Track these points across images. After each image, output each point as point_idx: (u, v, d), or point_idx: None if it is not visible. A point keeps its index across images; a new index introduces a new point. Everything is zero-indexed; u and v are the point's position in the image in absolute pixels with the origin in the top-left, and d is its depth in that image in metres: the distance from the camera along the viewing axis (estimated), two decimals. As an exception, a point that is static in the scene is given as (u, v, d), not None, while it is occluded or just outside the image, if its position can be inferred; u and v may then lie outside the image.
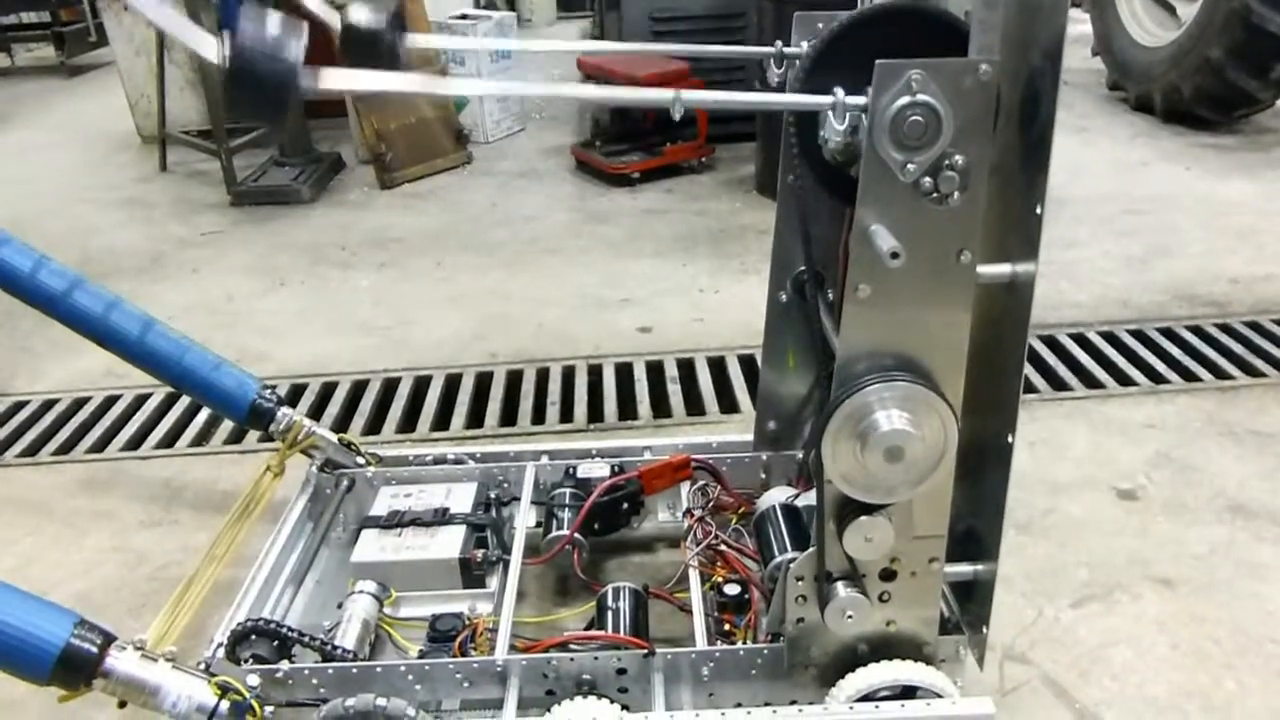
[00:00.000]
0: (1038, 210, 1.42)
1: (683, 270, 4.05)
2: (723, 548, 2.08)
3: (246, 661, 1.77)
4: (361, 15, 1.59)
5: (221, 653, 1.78)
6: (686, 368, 3.31)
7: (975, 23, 1.50)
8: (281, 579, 2.03)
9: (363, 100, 5.28)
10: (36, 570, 2.44)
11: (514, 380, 3.28)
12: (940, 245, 1.42)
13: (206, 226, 4.80)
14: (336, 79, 1.27)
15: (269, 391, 2.35)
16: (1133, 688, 1.97)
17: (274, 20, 1.21)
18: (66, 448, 3.00)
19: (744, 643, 1.86)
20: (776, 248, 2.04)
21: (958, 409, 1.50)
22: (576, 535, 2.11)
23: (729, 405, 3.07)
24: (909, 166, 1.36)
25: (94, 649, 1.59)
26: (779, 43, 1.77)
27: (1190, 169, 4.99)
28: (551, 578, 2.27)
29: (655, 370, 3.30)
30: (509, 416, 3.07)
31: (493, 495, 2.28)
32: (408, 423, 3.08)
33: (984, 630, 1.71)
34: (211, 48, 1.20)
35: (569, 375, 3.29)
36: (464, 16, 5.95)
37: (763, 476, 2.29)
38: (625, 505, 2.21)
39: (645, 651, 1.76)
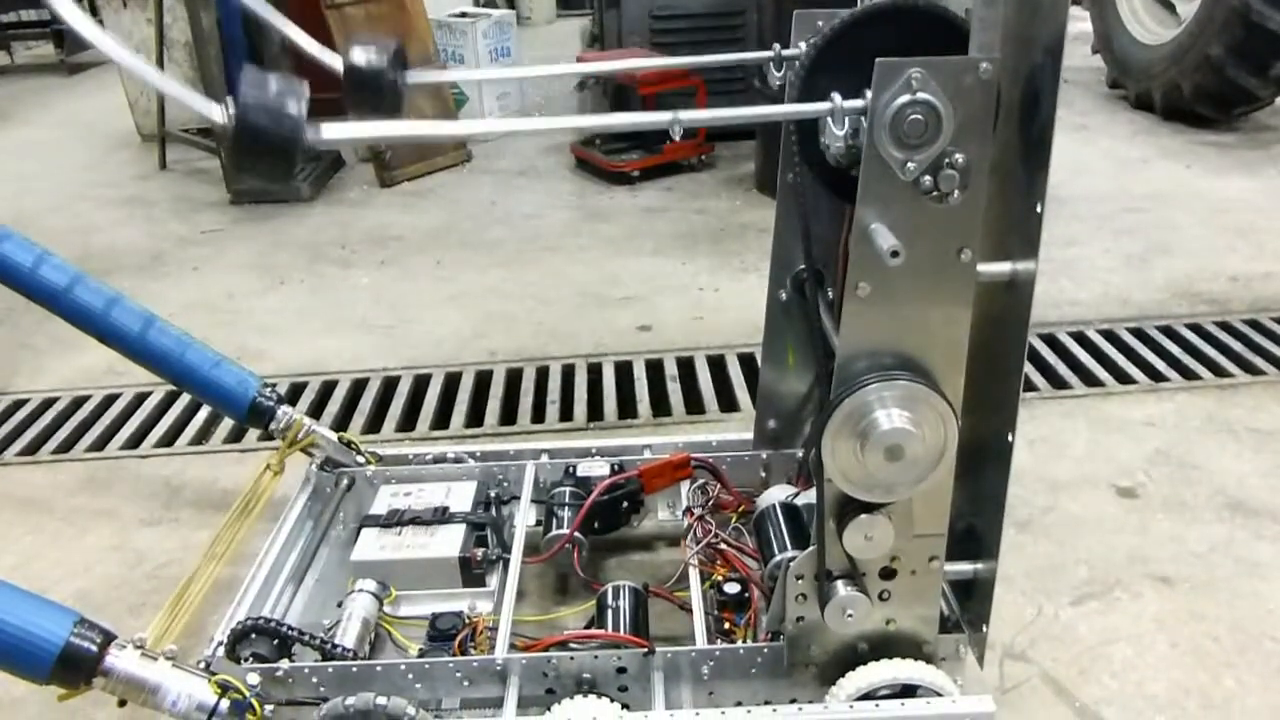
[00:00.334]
0: (1038, 208, 1.42)
1: (682, 268, 4.05)
2: (723, 546, 2.08)
3: (246, 660, 1.77)
4: (363, 57, 1.61)
5: (221, 651, 1.78)
6: (686, 366, 3.31)
7: (975, 21, 1.50)
8: (281, 578, 2.03)
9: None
10: (36, 568, 2.44)
11: (514, 379, 3.28)
12: (940, 244, 1.42)
13: (206, 224, 4.80)
14: (341, 131, 1.29)
15: (269, 390, 2.35)
16: (1132, 685, 1.98)
17: (275, 81, 1.23)
18: (66, 446, 3.00)
19: (744, 641, 1.86)
20: (776, 246, 2.04)
21: (958, 407, 1.50)
22: (576, 534, 2.11)
23: (728, 404, 3.07)
24: (909, 165, 1.36)
25: (94, 647, 1.59)
26: (777, 46, 1.77)
27: (1190, 167, 4.99)
28: (551, 576, 2.27)
29: (655, 369, 3.30)
30: (509, 415, 3.07)
31: (492, 494, 2.28)
32: (407, 421, 3.08)
33: (984, 628, 1.71)
34: (217, 113, 1.22)
35: (569, 374, 3.29)
36: (463, 14, 5.96)
37: (763, 475, 2.29)
38: (625, 504, 2.21)
39: (645, 650, 1.76)
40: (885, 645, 1.71)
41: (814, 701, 1.72)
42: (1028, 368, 2.98)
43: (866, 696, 1.67)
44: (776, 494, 2.12)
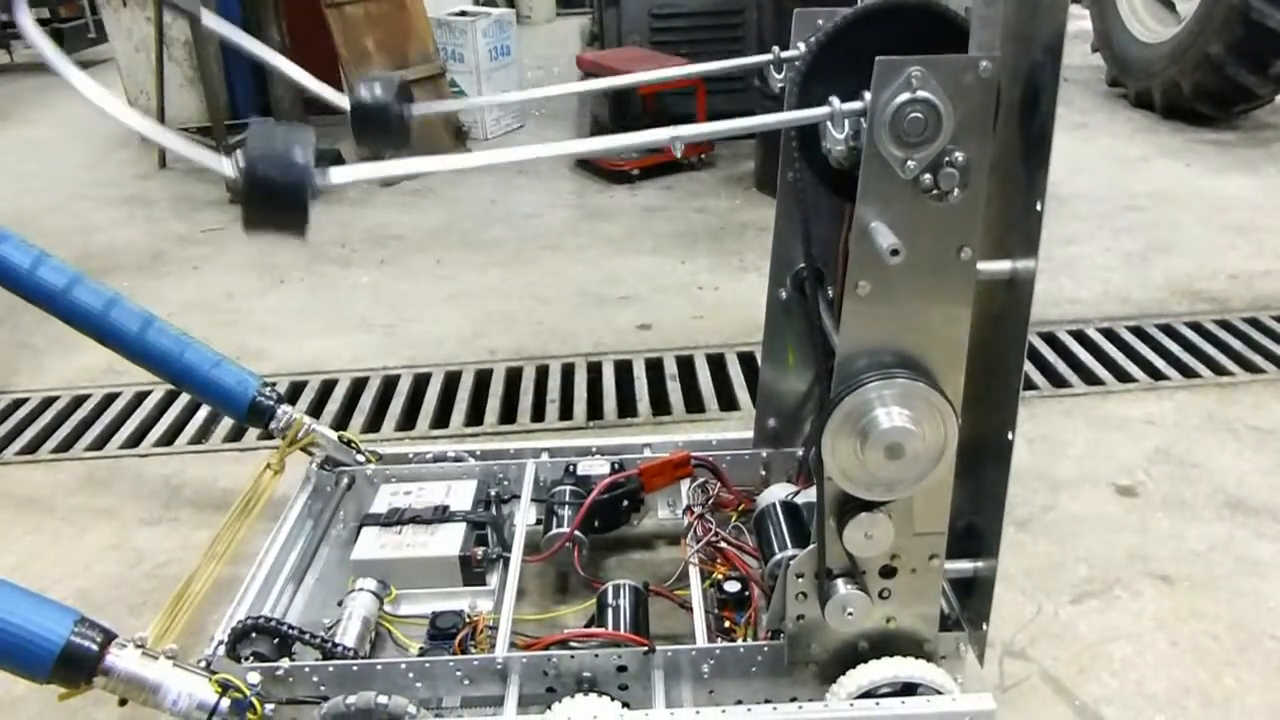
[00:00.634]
0: (1038, 207, 1.42)
1: (682, 267, 4.05)
2: (723, 545, 2.08)
3: (247, 659, 1.77)
4: (368, 93, 1.63)
5: (222, 650, 1.78)
6: (686, 365, 3.31)
7: (975, 19, 1.50)
8: (282, 577, 2.03)
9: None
10: (36, 568, 2.44)
11: (513, 378, 3.28)
12: (940, 242, 1.42)
13: (206, 223, 4.80)
14: (348, 174, 1.30)
15: (269, 389, 2.35)
16: (1132, 684, 1.98)
17: (281, 131, 1.24)
18: (66, 445, 3.00)
19: (744, 640, 1.86)
20: (776, 245, 2.04)
21: (958, 406, 1.50)
22: (577, 533, 2.11)
23: (728, 402, 3.07)
24: (909, 163, 1.36)
25: (94, 647, 1.59)
26: (776, 48, 1.77)
27: (1190, 165, 4.99)
28: (552, 575, 2.27)
29: (655, 367, 3.30)
30: (508, 414, 3.07)
31: (493, 493, 2.28)
32: (407, 420, 3.08)
33: (984, 627, 1.71)
34: (227, 167, 1.24)
35: (568, 373, 3.29)
36: (463, 13, 5.95)
37: (763, 474, 2.29)
38: (625, 503, 2.21)
39: (645, 649, 1.76)
40: (885, 643, 1.71)
41: (814, 700, 1.72)
42: (1027, 366, 2.98)
43: (867, 695, 1.68)
44: (777, 492, 2.12)
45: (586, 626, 1.93)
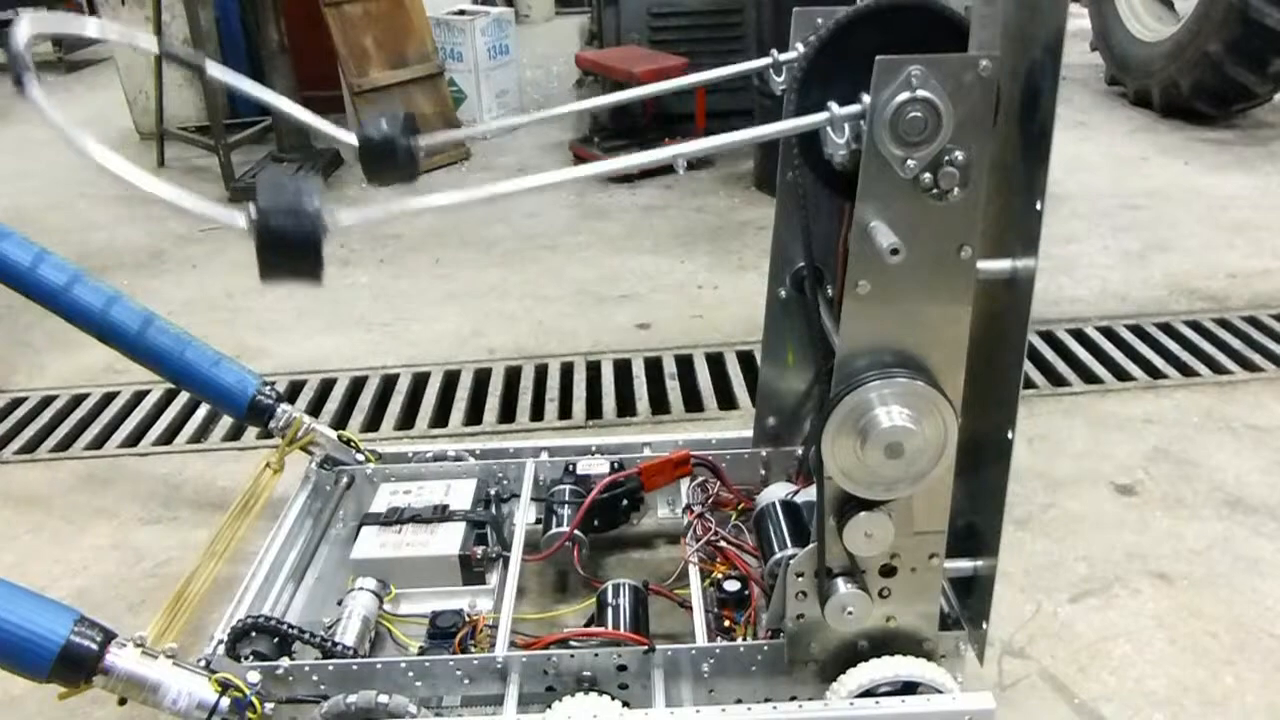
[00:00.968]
0: (1038, 206, 1.42)
1: (681, 266, 4.05)
2: (723, 544, 2.08)
3: (247, 658, 1.77)
4: (375, 129, 1.67)
5: (222, 650, 1.78)
6: (685, 364, 3.31)
7: (975, 18, 1.50)
8: (281, 576, 2.03)
9: (360, 95, 5.28)
10: (35, 567, 2.44)
11: (512, 377, 3.28)
12: (940, 241, 1.42)
13: (205, 222, 4.78)
14: (358, 215, 1.33)
15: (268, 388, 2.35)
16: (1131, 682, 1.98)
17: (290, 180, 1.27)
18: (65, 444, 3.00)
19: (744, 639, 1.85)
20: (775, 244, 2.04)
21: (958, 405, 1.50)
22: (576, 532, 2.12)
23: (727, 402, 3.07)
24: (909, 162, 1.36)
25: (94, 646, 1.59)
26: (774, 52, 1.77)
27: (1189, 164, 4.99)
28: (551, 574, 2.28)
29: (654, 367, 3.30)
30: (507, 413, 3.07)
31: (492, 492, 2.28)
32: (406, 419, 3.08)
33: (984, 625, 1.71)
34: (240, 220, 1.26)
35: (567, 372, 3.29)
36: (461, 12, 5.95)
37: (762, 473, 2.29)
38: (625, 502, 2.21)
39: (645, 648, 1.76)
40: (885, 642, 1.71)
41: (814, 699, 1.73)
42: (1026, 365, 2.99)
43: (867, 694, 1.68)
44: (776, 491, 2.12)
45: (586, 626, 1.93)
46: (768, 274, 2.07)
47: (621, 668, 1.77)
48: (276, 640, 1.80)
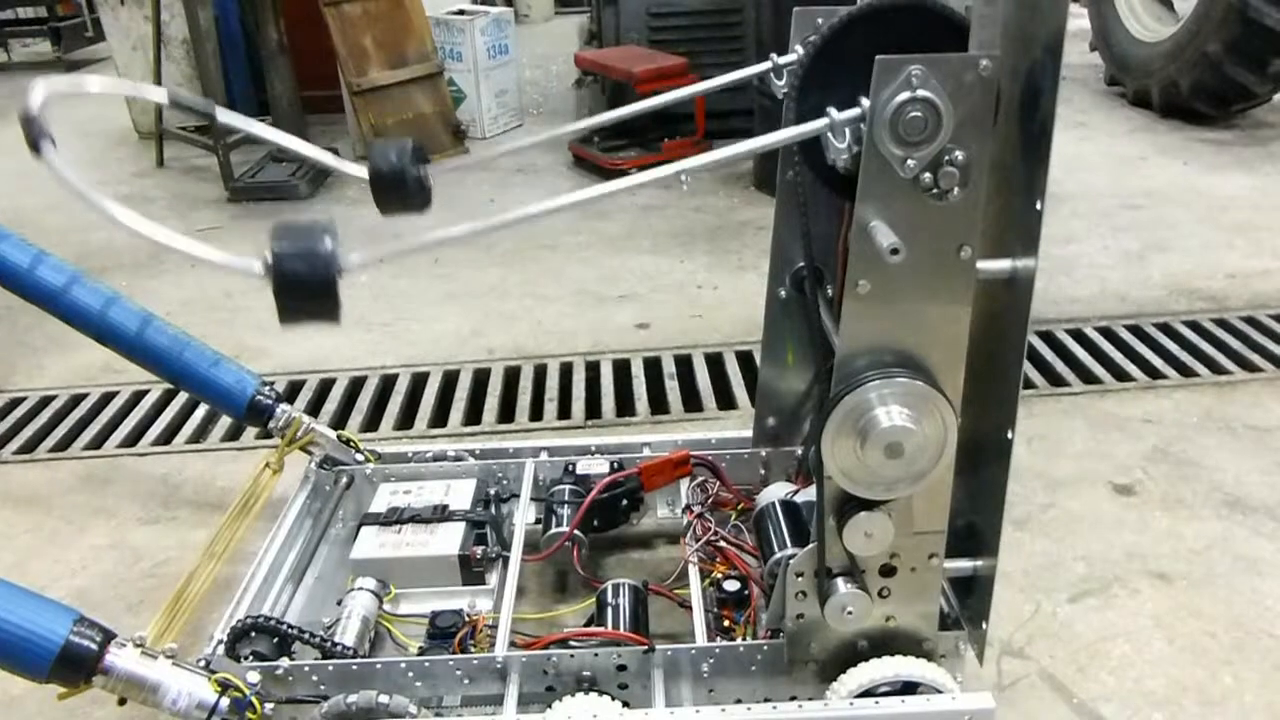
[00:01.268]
0: (1038, 205, 1.42)
1: (680, 266, 4.05)
2: (722, 544, 2.08)
3: (246, 658, 1.77)
4: (384, 159, 1.68)
5: (221, 650, 1.78)
6: (684, 364, 3.31)
7: (975, 18, 1.50)
8: (281, 576, 2.03)
9: (360, 95, 5.28)
10: (34, 567, 2.43)
11: (511, 377, 3.27)
12: (940, 241, 1.42)
13: (204, 222, 4.79)
14: (369, 255, 1.35)
15: (267, 388, 2.35)
16: (1130, 682, 1.98)
17: (303, 227, 1.29)
18: (64, 444, 3.00)
19: (744, 639, 1.85)
20: (775, 243, 2.04)
21: (957, 405, 1.50)
22: (576, 532, 2.11)
23: (726, 401, 3.07)
24: (909, 162, 1.36)
25: (94, 646, 1.59)
26: (774, 55, 1.77)
27: (1188, 164, 4.99)
28: (551, 574, 2.27)
29: (653, 366, 3.30)
30: (507, 413, 3.07)
31: (492, 492, 2.28)
32: (405, 419, 3.08)
33: (983, 625, 1.71)
34: (257, 266, 1.29)
35: (567, 372, 3.29)
36: (461, 12, 5.94)
37: (762, 473, 2.29)
38: (625, 502, 2.21)
39: (645, 648, 1.76)
40: (885, 642, 1.71)
41: (814, 699, 1.73)
42: (1026, 365, 2.99)
43: (866, 693, 1.68)
44: (776, 491, 2.12)
45: (586, 625, 1.93)
46: (767, 274, 2.07)
47: (621, 668, 1.77)
48: (276, 640, 1.80)
